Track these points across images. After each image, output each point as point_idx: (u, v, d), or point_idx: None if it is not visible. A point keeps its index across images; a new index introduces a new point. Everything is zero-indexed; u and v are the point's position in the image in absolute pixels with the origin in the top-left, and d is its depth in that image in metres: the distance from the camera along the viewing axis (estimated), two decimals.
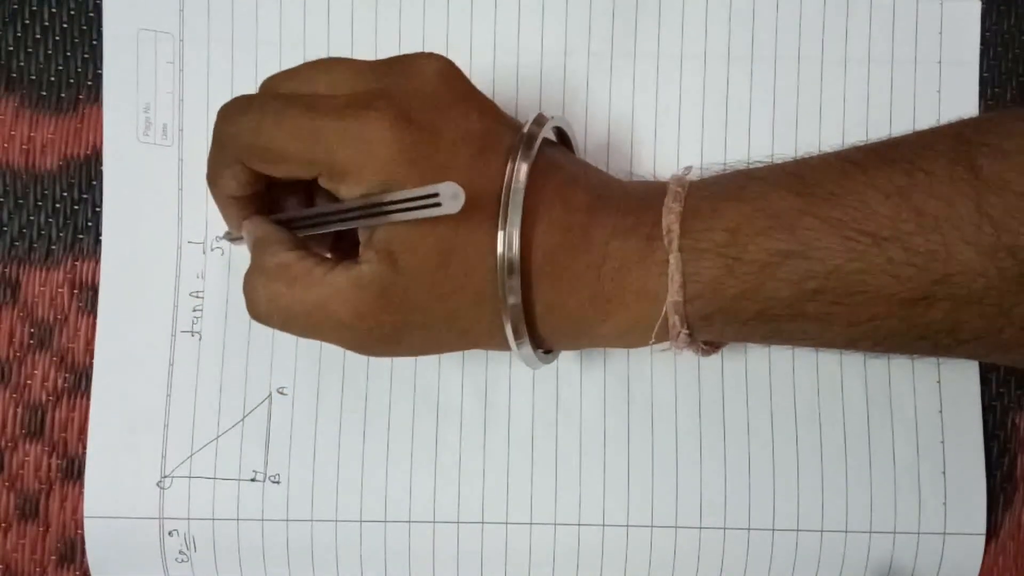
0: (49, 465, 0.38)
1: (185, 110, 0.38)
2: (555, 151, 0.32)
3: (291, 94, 0.30)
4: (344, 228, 0.30)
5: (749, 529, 0.37)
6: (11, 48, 0.38)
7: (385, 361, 0.37)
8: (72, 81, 0.38)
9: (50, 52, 0.38)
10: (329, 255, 0.33)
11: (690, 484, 0.37)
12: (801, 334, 0.30)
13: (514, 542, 0.37)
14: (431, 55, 0.30)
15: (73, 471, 0.37)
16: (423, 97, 0.29)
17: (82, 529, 0.37)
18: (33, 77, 0.38)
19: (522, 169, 0.29)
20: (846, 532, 0.37)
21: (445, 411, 0.37)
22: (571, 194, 0.30)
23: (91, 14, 0.38)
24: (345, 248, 0.33)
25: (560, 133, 0.34)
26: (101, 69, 0.38)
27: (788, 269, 0.28)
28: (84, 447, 0.37)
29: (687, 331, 0.30)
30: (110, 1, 0.38)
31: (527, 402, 0.37)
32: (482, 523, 0.37)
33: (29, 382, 0.38)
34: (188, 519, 0.37)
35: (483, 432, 0.37)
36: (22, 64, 0.38)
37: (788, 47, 0.38)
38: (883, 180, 0.28)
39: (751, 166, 0.31)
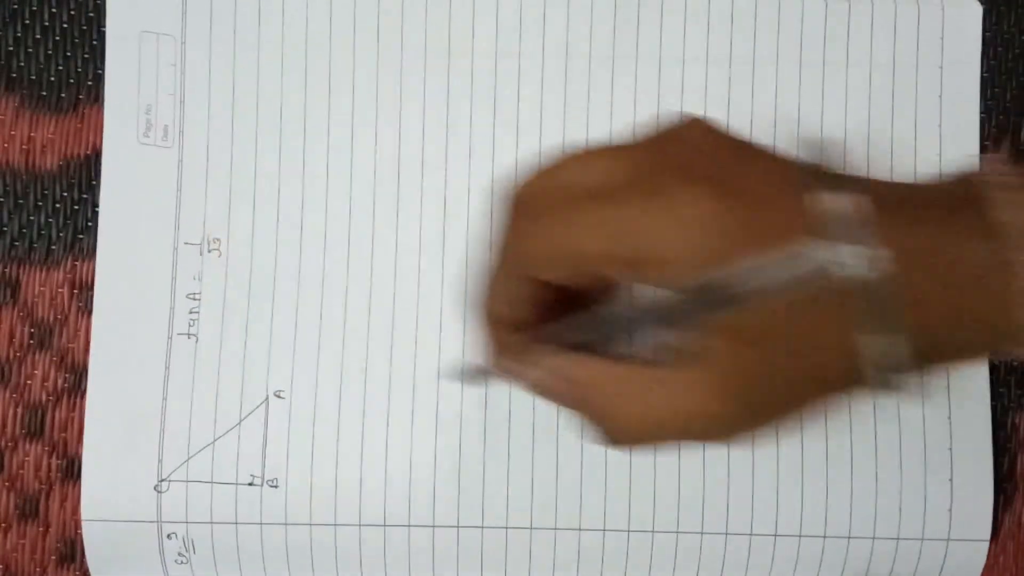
0: (49, 465, 0.38)
1: (186, 112, 0.38)
2: (848, 176, 0.29)
3: (569, 191, 0.27)
4: (673, 323, 0.27)
5: (751, 535, 0.37)
6: (11, 48, 0.38)
7: (383, 365, 0.37)
8: (72, 81, 0.38)
9: (50, 52, 0.38)
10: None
11: (692, 489, 0.37)
12: None
13: (514, 546, 0.37)
14: (689, 119, 0.28)
15: (73, 471, 0.37)
16: (710, 161, 0.27)
17: (81, 530, 0.37)
18: (33, 77, 0.38)
19: (865, 200, 0.26)
20: (848, 538, 0.37)
21: (444, 415, 0.37)
22: (904, 208, 0.27)
23: (91, 14, 0.38)
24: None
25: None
26: (101, 69, 0.38)
27: None
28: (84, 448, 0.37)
29: None
30: (113, 3, 0.38)
31: (527, 406, 0.37)
32: (482, 527, 0.37)
33: (29, 382, 0.38)
34: (186, 522, 0.37)
35: (483, 436, 0.37)
36: (22, 64, 0.38)
37: (790, 51, 0.38)
38: None
39: None
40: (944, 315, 0.27)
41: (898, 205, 0.27)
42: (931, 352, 0.28)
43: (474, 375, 0.33)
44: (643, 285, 0.26)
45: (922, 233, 0.26)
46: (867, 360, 0.27)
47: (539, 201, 0.28)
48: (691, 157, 0.27)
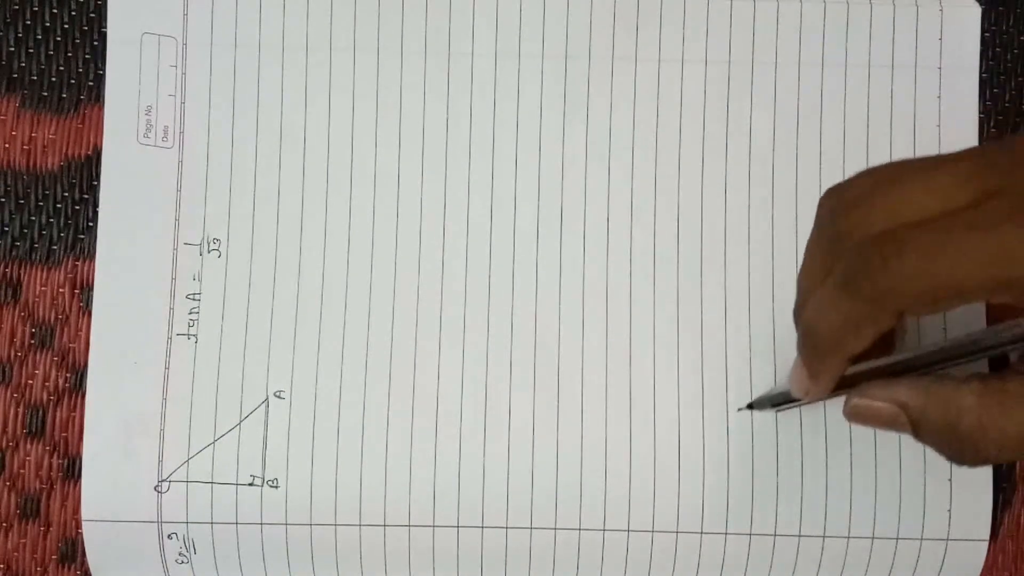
0: (50, 465, 0.38)
1: (186, 113, 0.38)
2: None
3: (935, 220, 0.26)
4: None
5: (751, 534, 0.37)
6: (12, 48, 0.38)
7: (383, 363, 0.37)
8: (73, 82, 0.38)
9: (51, 53, 0.38)
10: None
11: (692, 489, 0.37)
12: None
13: (514, 546, 0.37)
14: None
15: (74, 471, 0.37)
16: None
17: (82, 530, 0.37)
18: (34, 77, 0.38)
19: None
20: (848, 538, 0.37)
21: (445, 414, 0.37)
22: None
23: (92, 15, 0.38)
24: None
25: None
26: (102, 70, 0.38)
27: None
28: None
29: None
30: (114, 4, 0.38)
31: (528, 406, 0.37)
32: (482, 527, 0.37)
33: (30, 382, 0.38)
34: (187, 523, 0.37)
35: (483, 436, 0.37)
36: (23, 64, 0.38)
37: (789, 52, 0.38)
38: None
39: None
40: None
41: None
42: None
43: (781, 404, 0.33)
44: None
45: None
46: None
47: (898, 229, 0.26)
48: None
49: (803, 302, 0.29)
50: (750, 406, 0.37)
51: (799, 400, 0.32)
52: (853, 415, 0.30)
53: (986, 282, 0.25)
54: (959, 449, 0.28)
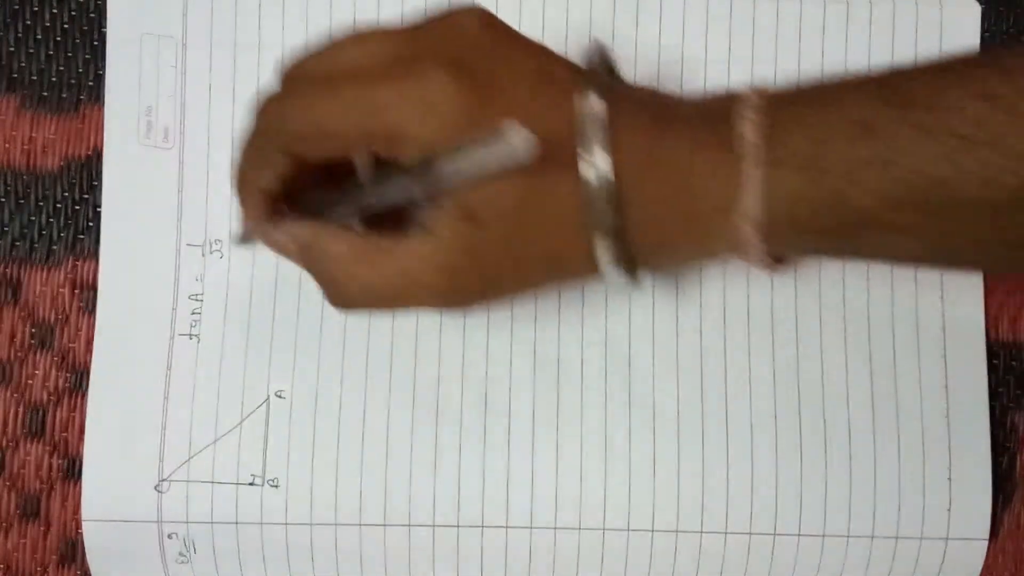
0: (50, 465, 0.38)
1: (187, 114, 0.38)
2: (613, 79, 0.31)
3: (331, 71, 0.29)
4: (409, 196, 0.29)
5: (750, 534, 0.37)
6: (12, 48, 0.38)
7: (384, 363, 0.37)
8: (73, 82, 0.38)
9: (51, 53, 0.38)
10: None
11: (692, 489, 0.37)
12: (881, 247, 0.29)
13: (514, 546, 0.37)
14: (467, 7, 0.29)
15: (74, 471, 0.37)
16: (471, 47, 0.28)
17: (82, 530, 0.37)
18: (34, 77, 0.38)
19: (594, 95, 0.28)
20: (848, 537, 0.37)
21: (445, 414, 0.37)
22: (643, 116, 0.30)
23: (92, 15, 0.38)
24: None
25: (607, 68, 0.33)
26: (102, 70, 0.38)
27: (874, 178, 0.27)
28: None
29: (763, 244, 0.29)
30: (114, 5, 0.38)
31: (528, 404, 0.37)
32: (482, 527, 0.37)
33: (30, 382, 0.38)
34: (187, 522, 0.37)
35: (483, 435, 0.37)
36: (23, 64, 0.38)
37: (788, 50, 0.38)
38: (978, 83, 0.26)
39: (831, 79, 0.30)
40: (667, 217, 0.29)
41: (647, 113, 0.30)
42: (655, 251, 0.30)
43: (240, 239, 0.34)
44: (395, 157, 0.28)
45: (655, 142, 0.29)
46: (599, 254, 0.29)
47: (302, 78, 0.29)
48: (456, 44, 0.28)
49: None
50: (233, 239, 0.36)
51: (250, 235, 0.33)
52: (268, 245, 0.32)
53: (353, 131, 0.27)
54: (329, 292, 0.31)
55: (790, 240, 0.29)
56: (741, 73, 0.38)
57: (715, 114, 0.30)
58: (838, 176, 0.27)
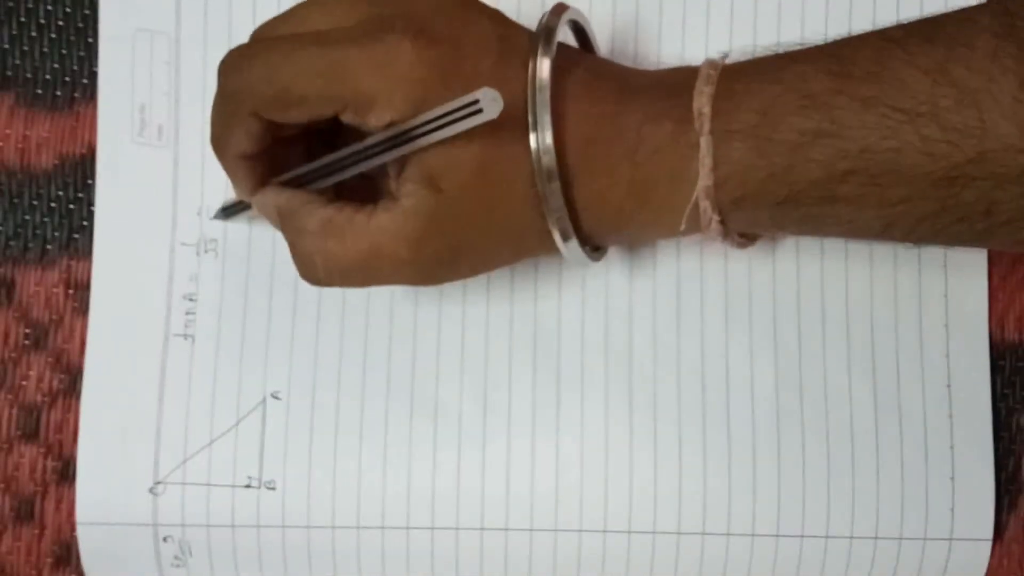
0: (44, 467, 0.37)
1: (181, 111, 0.37)
2: (571, 49, 0.32)
3: (298, 33, 0.29)
4: (378, 163, 0.29)
5: (753, 535, 0.37)
6: (6, 46, 0.38)
7: (381, 363, 0.37)
8: (67, 79, 0.38)
9: (45, 50, 0.38)
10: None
11: (693, 490, 0.37)
12: (833, 219, 0.29)
13: (514, 548, 0.37)
14: None
15: (68, 473, 0.37)
16: (431, 12, 0.29)
17: (77, 533, 0.37)
18: (28, 75, 0.38)
19: (544, 65, 0.29)
20: (851, 538, 0.36)
21: (443, 415, 0.37)
22: (598, 86, 0.30)
23: (87, 12, 0.38)
24: (353, 195, 0.33)
25: (578, 32, 0.34)
26: (97, 67, 0.38)
27: (819, 150, 0.27)
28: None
29: (718, 217, 0.30)
30: (106, 1, 0.37)
31: (527, 406, 0.37)
32: (481, 529, 0.37)
33: (24, 383, 0.37)
34: (182, 525, 0.37)
35: (482, 436, 0.37)
36: (17, 62, 0.38)
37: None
38: (922, 56, 0.27)
39: (786, 49, 0.31)
40: (619, 189, 0.30)
41: (604, 85, 0.30)
42: (610, 224, 0.31)
43: (228, 210, 0.34)
44: (361, 123, 0.28)
45: (607, 114, 0.29)
46: (550, 224, 0.30)
47: (268, 39, 0.30)
48: (422, 10, 0.29)
49: None
50: (220, 213, 0.36)
51: (243, 203, 0.33)
52: (255, 206, 0.32)
53: (318, 95, 0.28)
54: (298, 264, 0.31)
55: (745, 212, 0.30)
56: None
57: (673, 87, 0.30)
58: (786, 148, 0.28)
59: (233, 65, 0.29)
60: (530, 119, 0.28)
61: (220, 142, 0.30)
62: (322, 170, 0.30)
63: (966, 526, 0.37)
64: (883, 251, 0.37)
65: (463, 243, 0.30)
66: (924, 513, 0.37)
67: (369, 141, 0.28)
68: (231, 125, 0.30)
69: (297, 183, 0.31)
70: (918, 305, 0.37)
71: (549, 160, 0.28)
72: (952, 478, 0.37)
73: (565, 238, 0.30)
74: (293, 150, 0.32)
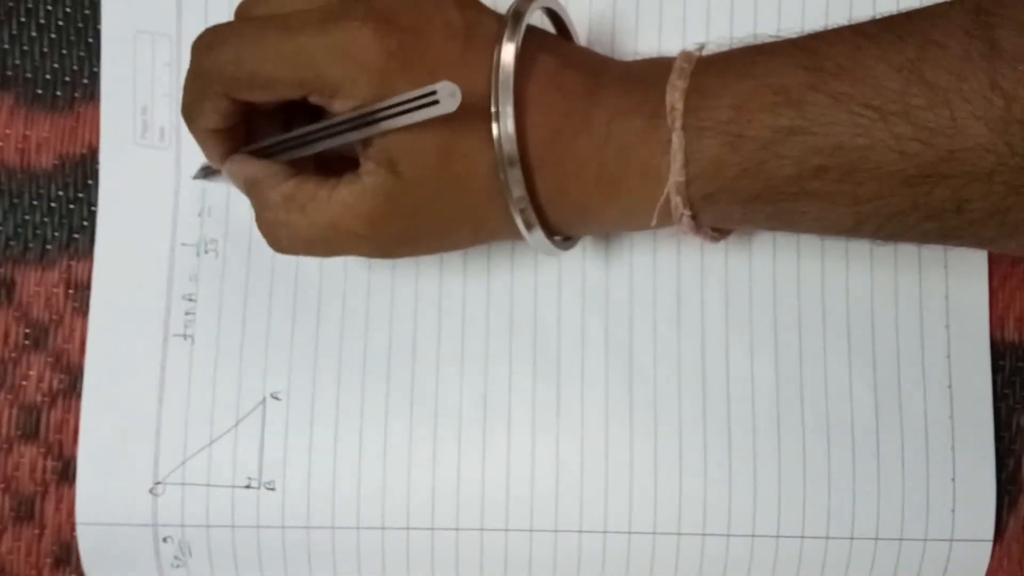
0: (44, 467, 0.37)
1: None
2: (545, 36, 0.32)
3: (266, 15, 0.29)
4: (339, 143, 0.29)
5: (753, 536, 0.37)
6: (7, 46, 0.38)
7: (381, 364, 0.37)
8: (68, 80, 0.38)
9: (46, 50, 0.38)
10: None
11: (693, 491, 0.37)
12: (805, 215, 0.29)
13: (514, 549, 0.37)
14: None
15: (68, 473, 0.37)
16: (403, 2, 0.29)
17: (77, 533, 0.37)
18: (29, 75, 0.38)
19: (508, 50, 0.28)
20: (851, 539, 0.36)
21: (443, 416, 0.37)
22: (567, 77, 0.30)
23: (87, 12, 0.38)
24: (332, 165, 0.33)
25: (554, 19, 0.33)
26: (97, 68, 0.38)
27: (791, 146, 0.27)
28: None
29: (690, 213, 0.29)
30: (108, 2, 0.37)
31: (527, 406, 0.37)
32: (481, 530, 0.37)
33: (24, 383, 0.37)
34: (182, 526, 0.37)
35: (482, 437, 0.37)
36: (18, 62, 0.38)
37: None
38: (894, 54, 0.27)
39: (761, 42, 0.31)
40: (585, 181, 0.30)
41: (575, 75, 0.30)
42: (576, 216, 0.31)
43: (207, 170, 0.34)
44: (326, 106, 0.29)
45: (575, 105, 0.29)
46: (514, 215, 0.30)
47: (240, 19, 0.30)
48: None
49: None
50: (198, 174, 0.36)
51: (215, 169, 0.33)
52: (227, 174, 0.32)
53: (283, 78, 0.28)
54: (263, 233, 0.31)
55: (717, 207, 0.30)
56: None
57: (646, 79, 0.30)
58: (759, 144, 0.28)
59: (206, 44, 0.30)
60: (493, 109, 0.28)
61: (190, 114, 0.31)
62: (288, 143, 0.30)
63: (966, 527, 0.37)
64: (884, 251, 0.37)
65: (420, 224, 0.30)
66: (924, 514, 0.37)
67: (333, 120, 0.29)
68: (201, 100, 0.30)
69: (266, 154, 0.31)
70: (919, 305, 0.37)
71: (510, 148, 0.28)
72: (953, 479, 0.37)
73: (529, 228, 0.30)
74: (272, 120, 0.32)
